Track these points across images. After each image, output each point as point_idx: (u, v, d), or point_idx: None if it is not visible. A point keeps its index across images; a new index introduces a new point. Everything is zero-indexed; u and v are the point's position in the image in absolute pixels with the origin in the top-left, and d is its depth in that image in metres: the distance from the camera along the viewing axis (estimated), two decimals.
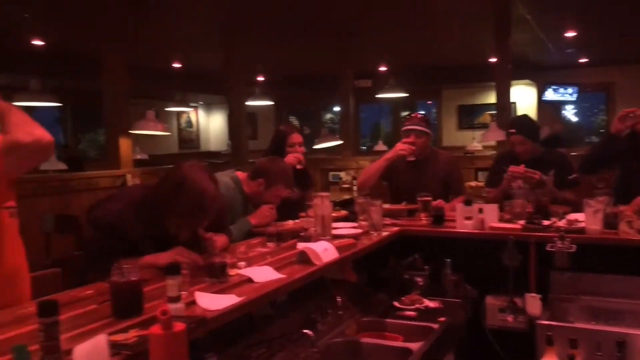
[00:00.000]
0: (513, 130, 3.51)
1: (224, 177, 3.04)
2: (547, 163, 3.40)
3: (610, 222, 2.64)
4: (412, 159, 3.56)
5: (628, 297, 2.55)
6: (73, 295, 1.82)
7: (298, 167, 3.55)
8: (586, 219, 2.66)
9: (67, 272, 2.20)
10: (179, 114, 13.10)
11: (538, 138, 3.55)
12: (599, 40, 8.67)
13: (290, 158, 3.54)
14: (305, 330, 2.01)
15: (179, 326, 1.27)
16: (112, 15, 5.64)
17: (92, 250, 2.11)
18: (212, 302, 1.69)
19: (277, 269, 2.13)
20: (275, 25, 7.18)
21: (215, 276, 1.93)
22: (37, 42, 6.89)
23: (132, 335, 1.36)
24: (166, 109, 11.52)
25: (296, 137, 3.70)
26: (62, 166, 6.56)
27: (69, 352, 1.21)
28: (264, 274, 2.03)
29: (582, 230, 2.65)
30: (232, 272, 2.02)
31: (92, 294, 1.81)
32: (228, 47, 7.14)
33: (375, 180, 3.67)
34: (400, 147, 3.54)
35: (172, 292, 1.56)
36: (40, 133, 1.69)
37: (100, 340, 1.22)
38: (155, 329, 1.25)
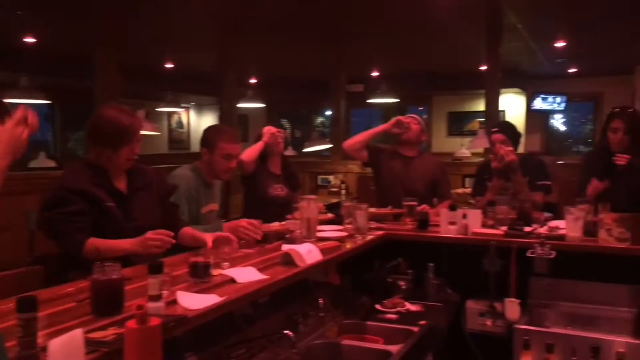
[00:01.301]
0: (496, 129, 3.61)
1: (182, 169, 3.00)
2: (525, 168, 3.47)
3: (590, 229, 2.69)
4: (400, 131, 3.69)
5: (604, 303, 2.60)
6: (53, 292, 1.83)
7: (279, 141, 3.67)
8: (567, 226, 2.70)
9: (49, 270, 2.21)
10: (169, 114, 13.08)
11: (518, 143, 3.63)
12: (588, 51, 8.77)
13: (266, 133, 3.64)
14: (286, 331, 2.03)
15: (154, 321, 1.29)
16: (105, 13, 5.64)
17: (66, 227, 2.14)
18: (193, 301, 1.71)
19: (261, 269, 2.15)
20: (268, 28, 7.20)
21: (198, 276, 1.95)
22: (29, 40, 6.88)
23: (110, 333, 1.38)
24: (157, 109, 11.49)
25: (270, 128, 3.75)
26: (51, 163, 6.54)
27: (46, 348, 1.22)
28: (246, 275, 2.05)
29: (562, 237, 2.69)
30: (216, 272, 2.04)
31: (73, 292, 1.82)
32: (221, 48, 7.15)
33: (362, 145, 3.77)
34: (395, 120, 3.68)
35: (153, 290, 1.58)
36: None
37: (76, 335, 1.24)
38: (131, 324, 1.27)
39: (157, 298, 1.58)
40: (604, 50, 8.69)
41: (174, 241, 2.15)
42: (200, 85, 10.87)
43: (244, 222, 2.64)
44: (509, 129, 3.62)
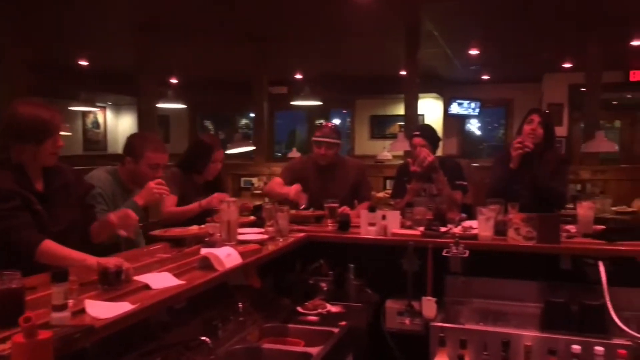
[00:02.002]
0: (417, 132, 3.69)
1: (99, 171, 2.89)
2: (443, 170, 3.59)
3: (501, 229, 2.81)
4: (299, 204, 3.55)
5: (514, 299, 2.73)
6: None
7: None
8: (479, 226, 2.82)
9: None
10: (84, 113, 12.50)
11: (437, 146, 3.74)
12: (499, 59, 9.26)
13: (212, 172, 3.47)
14: (202, 338, 1.97)
15: (44, 334, 1.21)
16: (12, 5, 5.29)
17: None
18: (102, 310, 1.63)
19: (177, 274, 2.08)
20: (190, 27, 7.04)
21: (109, 283, 1.85)
22: None
23: (8, 347, 1.28)
24: (70, 108, 10.94)
25: (221, 154, 3.52)
26: None
27: None
28: (162, 280, 1.98)
29: (475, 237, 2.80)
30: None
31: None
32: (138, 46, 6.91)
33: (279, 198, 3.60)
34: (293, 195, 3.48)
35: (58, 299, 1.48)
36: None
37: None
38: (18, 338, 1.18)
39: (61, 308, 1.48)
40: (514, 59, 9.21)
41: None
42: (117, 84, 10.48)
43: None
44: (429, 133, 3.72)
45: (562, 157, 3.53)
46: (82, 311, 1.61)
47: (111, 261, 1.91)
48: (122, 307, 1.66)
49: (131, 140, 2.99)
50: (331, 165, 3.72)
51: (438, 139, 3.77)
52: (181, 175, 3.42)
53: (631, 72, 9.71)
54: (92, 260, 1.99)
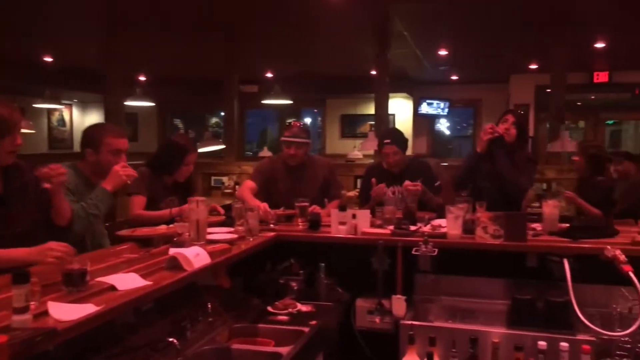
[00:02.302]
0: (388, 141, 3.69)
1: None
2: (415, 171, 3.61)
3: (469, 227, 2.85)
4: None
5: (482, 297, 2.77)
6: None
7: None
8: (447, 224, 2.84)
9: None
10: (49, 111, 12.20)
11: (406, 149, 3.78)
12: (467, 60, 9.38)
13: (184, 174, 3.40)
14: (170, 339, 1.94)
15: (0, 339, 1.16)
16: None
17: None
18: (66, 312, 1.58)
19: (145, 275, 2.04)
20: (158, 23, 6.93)
21: (73, 284, 1.80)
22: None
23: None
24: (35, 106, 10.65)
25: (194, 157, 3.46)
26: None
27: None
28: (128, 281, 1.94)
29: (443, 235, 2.83)
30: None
31: None
32: (106, 42, 6.76)
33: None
34: (262, 214, 3.21)
35: (19, 302, 1.44)
36: None
37: None
38: None
39: (23, 310, 1.44)
40: (482, 60, 9.35)
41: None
42: (83, 81, 10.25)
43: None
44: (399, 138, 3.74)
45: (530, 157, 3.60)
46: (45, 313, 1.57)
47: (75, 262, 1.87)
48: (86, 309, 1.62)
49: (88, 131, 2.91)
50: (300, 164, 3.70)
51: (407, 143, 3.81)
52: (150, 175, 3.35)
53: (595, 74, 9.96)
54: (21, 253, 1.97)
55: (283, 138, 3.70)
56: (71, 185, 2.70)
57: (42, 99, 9.96)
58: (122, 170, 2.70)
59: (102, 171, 2.78)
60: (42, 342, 1.37)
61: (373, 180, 3.57)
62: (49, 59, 9.12)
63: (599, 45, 7.73)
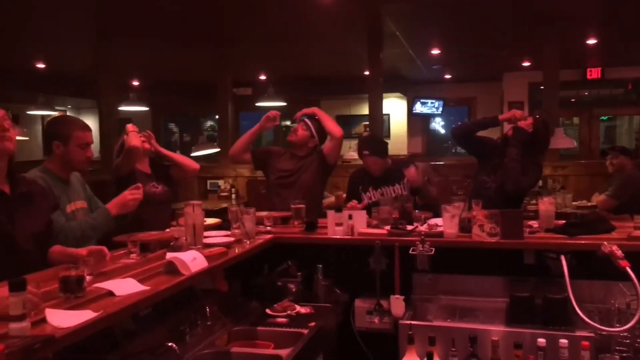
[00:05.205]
0: (367, 152, 3.78)
1: (29, 174, 2.69)
2: (398, 172, 3.69)
3: (465, 226, 2.85)
4: (272, 125, 3.89)
5: (480, 295, 2.77)
6: None
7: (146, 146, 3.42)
8: (444, 223, 2.85)
9: None
10: (44, 117, 12.15)
11: (387, 153, 3.85)
12: (460, 59, 9.40)
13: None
14: (169, 344, 1.94)
15: None
16: None
17: None
18: (64, 319, 1.58)
19: (142, 280, 2.04)
20: (151, 28, 6.91)
21: (70, 291, 1.80)
22: None
23: None
24: (28, 112, 10.61)
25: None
26: None
27: None
28: (125, 287, 1.93)
29: (440, 234, 2.83)
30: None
31: None
32: (100, 48, 6.75)
33: (244, 149, 3.93)
34: (265, 116, 3.79)
35: (16, 310, 1.43)
36: None
37: None
38: None
39: (20, 318, 1.43)
40: (475, 59, 9.37)
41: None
42: (77, 87, 10.21)
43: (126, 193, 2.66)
44: (377, 148, 3.82)
45: (539, 162, 3.62)
46: (43, 320, 1.56)
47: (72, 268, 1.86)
48: (84, 316, 1.62)
49: (55, 125, 2.91)
50: (302, 156, 3.91)
51: (386, 147, 3.90)
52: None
53: (588, 70, 10.00)
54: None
55: (297, 116, 4.08)
56: (45, 189, 2.66)
57: (36, 105, 9.92)
58: (131, 197, 2.70)
59: (69, 164, 2.78)
60: (40, 350, 1.36)
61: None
62: (41, 66, 9.08)
63: (591, 41, 7.75)
